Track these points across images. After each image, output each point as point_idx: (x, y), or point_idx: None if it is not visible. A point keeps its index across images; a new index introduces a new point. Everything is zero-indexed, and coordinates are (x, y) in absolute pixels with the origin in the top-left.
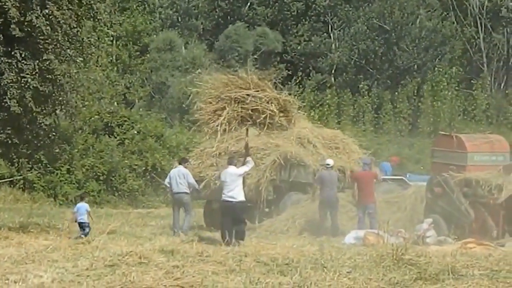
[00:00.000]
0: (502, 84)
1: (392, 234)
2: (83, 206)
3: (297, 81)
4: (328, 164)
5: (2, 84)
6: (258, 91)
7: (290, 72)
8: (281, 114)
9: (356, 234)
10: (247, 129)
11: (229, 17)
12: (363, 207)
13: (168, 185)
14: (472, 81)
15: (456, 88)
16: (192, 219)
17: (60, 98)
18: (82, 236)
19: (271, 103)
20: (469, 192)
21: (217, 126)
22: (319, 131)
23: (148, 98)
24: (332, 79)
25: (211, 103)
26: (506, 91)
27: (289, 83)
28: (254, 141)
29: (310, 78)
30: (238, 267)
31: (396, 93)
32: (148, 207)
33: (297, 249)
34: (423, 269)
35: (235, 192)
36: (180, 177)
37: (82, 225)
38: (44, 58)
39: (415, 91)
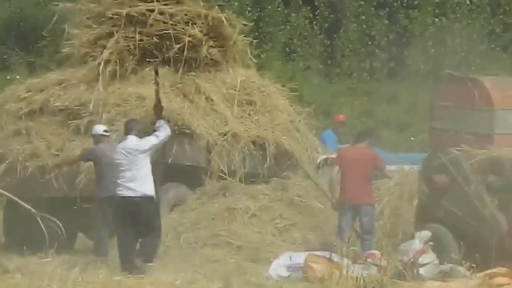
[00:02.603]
0: None
1: (357, 259)
2: None
3: None
4: (98, 133)
5: None
6: (168, 4)
7: None
8: (211, 43)
9: (291, 260)
10: (155, 70)
11: None
12: (350, 209)
13: None
14: None
15: None
16: None
17: None
18: None
19: (193, 24)
20: (498, 184)
21: (98, 64)
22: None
23: None
24: None
25: (90, 26)
26: None
27: None
28: (102, 93)
29: None
30: None
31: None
32: None
33: None
34: None
35: (139, 181)
36: None
37: None
38: None
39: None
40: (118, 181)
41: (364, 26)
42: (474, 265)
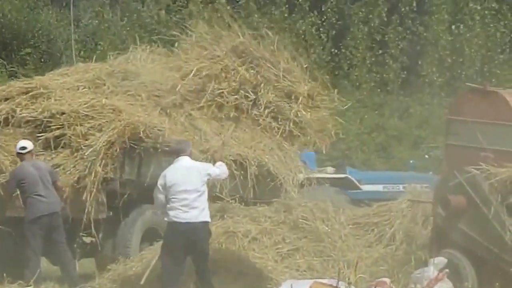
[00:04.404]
0: None
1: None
2: None
3: None
4: (16, 150)
5: None
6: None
7: None
8: (300, 107)
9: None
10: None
11: None
12: None
13: None
14: None
15: None
16: None
17: None
18: None
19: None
20: None
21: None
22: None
23: None
24: None
25: (205, 49)
26: None
27: None
28: (73, 104)
29: None
30: None
31: None
32: None
33: None
34: None
35: (197, 207)
36: None
37: None
38: None
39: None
40: (174, 205)
41: (374, 32)
42: None
